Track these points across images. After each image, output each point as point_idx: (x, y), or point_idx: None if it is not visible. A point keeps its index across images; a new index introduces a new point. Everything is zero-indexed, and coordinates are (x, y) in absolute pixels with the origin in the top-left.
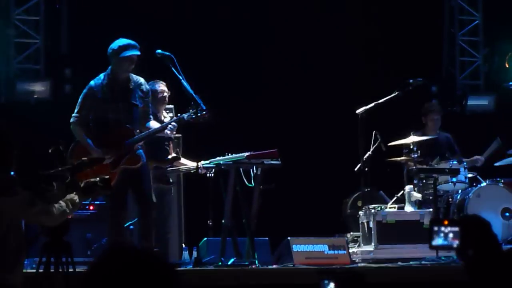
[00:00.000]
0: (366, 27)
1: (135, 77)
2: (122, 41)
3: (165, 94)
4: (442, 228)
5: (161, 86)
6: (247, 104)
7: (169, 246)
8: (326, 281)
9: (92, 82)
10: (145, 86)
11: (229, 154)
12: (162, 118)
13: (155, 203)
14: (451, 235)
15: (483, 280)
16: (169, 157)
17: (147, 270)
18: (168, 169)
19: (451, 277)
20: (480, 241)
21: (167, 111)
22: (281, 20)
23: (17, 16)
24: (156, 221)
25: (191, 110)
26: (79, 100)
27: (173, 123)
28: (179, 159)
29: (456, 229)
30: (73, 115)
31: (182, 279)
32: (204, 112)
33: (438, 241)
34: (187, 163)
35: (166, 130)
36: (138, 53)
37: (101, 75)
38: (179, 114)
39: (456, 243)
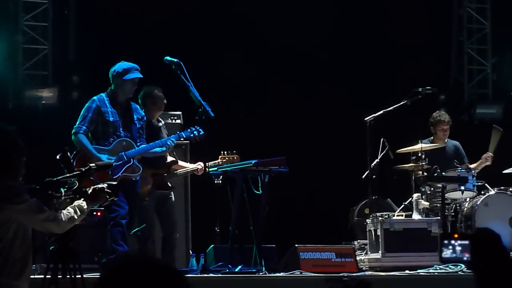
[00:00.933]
0: (375, 35)
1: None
2: (125, 64)
3: (162, 100)
4: (452, 241)
5: (158, 92)
6: (255, 111)
7: (175, 253)
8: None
9: (95, 97)
10: (141, 111)
11: (224, 153)
12: (157, 123)
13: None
14: (460, 248)
15: None
16: (167, 162)
17: (158, 280)
18: (166, 174)
19: (459, 286)
20: (491, 255)
21: (174, 118)
22: (290, 27)
23: (26, 22)
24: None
25: (190, 129)
26: (83, 113)
27: (171, 141)
28: (177, 163)
29: (466, 242)
30: (76, 126)
31: None
32: (202, 133)
33: (448, 254)
34: (187, 166)
35: (162, 148)
36: (141, 76)
37: (103, 94)
38: (178, 132)
39: (466, 256)
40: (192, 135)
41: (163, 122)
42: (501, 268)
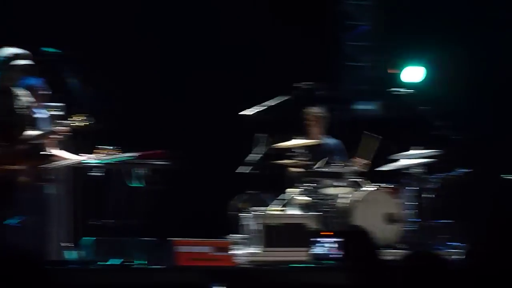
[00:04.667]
0: (252, 28)
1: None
2: (12, 50)
3: (43, 92)
4: (325, 239)
5: (39, 83)
6: (140, 105)
7: (50, 244)
8: (215, 284)
9: None
10: (26, 98)
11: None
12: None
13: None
14: (333, 245)
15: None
16: (44, 153)
17: (14, 268)
18: (44, 165)
19: (333, 280)
20: (362, 252)
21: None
22: (166, 21)
23: None
24: (36, 219)
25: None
26: None
27: (51, 129)
28: (56, 155)
29: (338, 239)
30: None
31: (58, 278)
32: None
33: (320, 250)
34: (70, 157)
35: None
36: (32, 62)
37: None
38: (57, 120)
39: (338, 253)
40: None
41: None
42: (371, 265)
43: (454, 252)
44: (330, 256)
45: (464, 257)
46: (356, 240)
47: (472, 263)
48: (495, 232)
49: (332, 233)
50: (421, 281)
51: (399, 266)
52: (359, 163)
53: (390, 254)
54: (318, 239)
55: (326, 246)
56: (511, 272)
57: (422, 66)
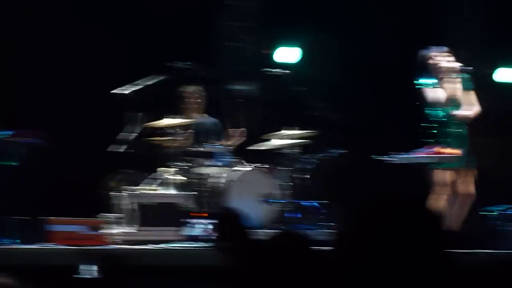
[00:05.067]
0: (129, 5)
1: None
2: None
3: None
4: (199, 220)
5: None
6: (10, 82)
7: None
8: (85, 263)
9: None
10: None
11: None
12: None
13: None
14: (206, 226)
15: (239, 270)
16: None
17: None
18: None
19: (206, 261)
20: (233, 234)
21: None
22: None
23: None
24: None
25: None
26: None
27: None
28: None
29: (212, 220)
30: None
31: None
32: None
33: (192, 231)
34: None
35: None
36: None
37: None
38: None
39: (210, 234)
40: None
41: None
42: (243, 247)
43: (325, 232)
44: (203, 237)
45: (333, 238)
46: (228, 221)
47: (339, 245)
48: (364, 214)
49: (206, 214)
50: (286, 260)
51: (266, 246)
52: (233, 134)
53: (263, 234)
54: (192, 220)
55: (200, 227)
56: (376, 255)
57: (298, 47)
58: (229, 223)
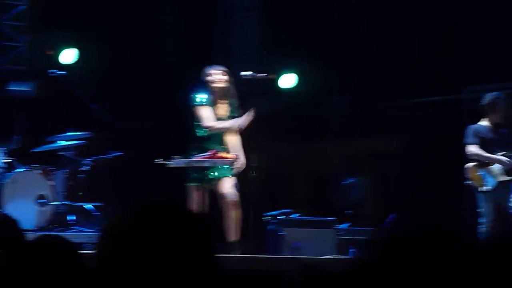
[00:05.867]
0: None
1: None
2: None
3: None
4: None
5: None
6: None
7: None
8: None
9: None
10: None
11: None
12: None
13: None
14: None
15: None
16: None
17: None
18: None
19: None
20: (10, 240)
21: None
22: None
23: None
24: None
25: None
26: None
27: None
28: None
29: None
30: None
31: None
32: None
33: None
34: None
35: None
36: None
37: None
38: None
39: None
40: None
41: None
42: (20, 252)
43: (84, 235)
44: None
45: (96, 240)
46: (3, 227)
47: (101, 247)
48: (124, 215)
49: None
50: (43, 264)
51: (24, 249)
52: None
53: (35, 237)
54: None
55: None
56: (135, 255)
57: (75, 47)
58: (7, 228)
